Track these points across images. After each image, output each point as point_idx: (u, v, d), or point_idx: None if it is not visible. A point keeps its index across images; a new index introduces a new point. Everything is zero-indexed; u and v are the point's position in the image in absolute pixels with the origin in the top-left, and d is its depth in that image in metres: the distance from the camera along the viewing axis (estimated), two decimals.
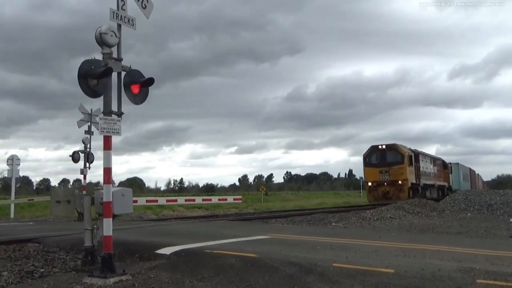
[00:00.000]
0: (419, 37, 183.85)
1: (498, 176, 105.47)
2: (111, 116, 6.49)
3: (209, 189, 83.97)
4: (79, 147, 20.44)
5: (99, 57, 6.50)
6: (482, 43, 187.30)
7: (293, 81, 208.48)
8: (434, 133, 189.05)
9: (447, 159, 49.09)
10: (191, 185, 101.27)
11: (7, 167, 23.66)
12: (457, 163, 44.46)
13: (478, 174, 63.20)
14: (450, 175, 40.84)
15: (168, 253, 7.34)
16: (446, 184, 38.67)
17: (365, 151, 30.80)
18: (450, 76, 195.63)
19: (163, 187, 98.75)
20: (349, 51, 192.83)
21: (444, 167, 39.59)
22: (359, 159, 33.88)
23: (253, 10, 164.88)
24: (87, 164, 20.14)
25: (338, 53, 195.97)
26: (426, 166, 33.58)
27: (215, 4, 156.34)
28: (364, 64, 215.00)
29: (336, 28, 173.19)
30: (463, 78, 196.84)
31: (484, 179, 75.24)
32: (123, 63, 6.68)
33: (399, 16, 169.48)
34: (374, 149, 29.99)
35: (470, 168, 54.25)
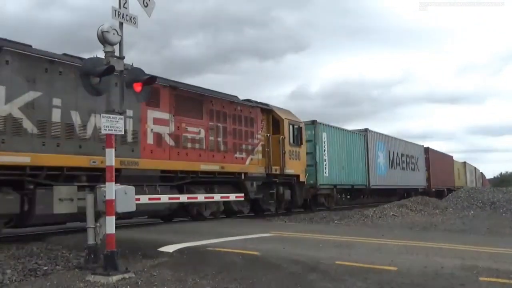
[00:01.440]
0: (425, 35, 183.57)
1: (501, 174, 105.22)
2: (113, 114, 6.50)
3: None
4: None
5: (101, 55, 6.51)
6: (488, 41, 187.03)
7: (297, 78, 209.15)
8: (438, 130, 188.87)
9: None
10: None
11: None
12: (366, 129, 24.16)
13: (465, 163, 44.82)
14: (301, 150, 17.59)
15: (171, 251, 7.35)
16: (260, 172, 15.53)
17: None
18: (455, 73, 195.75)
19: None
20: (354, 48, 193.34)
21: (263, 125, 16.10)
22: None
23: (257, 7, 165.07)
24: None
25: (342, 50, 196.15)
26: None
27: (220, 1, 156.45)
28: (369, 62, 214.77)
29: (341, 25, 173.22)
30: (468, 76, 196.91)
31: (487, 177, 74.29)
32: (125, 61, 6.69)
33: (404, 14, 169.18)
34: None
35: (428, 148, 32.86)
